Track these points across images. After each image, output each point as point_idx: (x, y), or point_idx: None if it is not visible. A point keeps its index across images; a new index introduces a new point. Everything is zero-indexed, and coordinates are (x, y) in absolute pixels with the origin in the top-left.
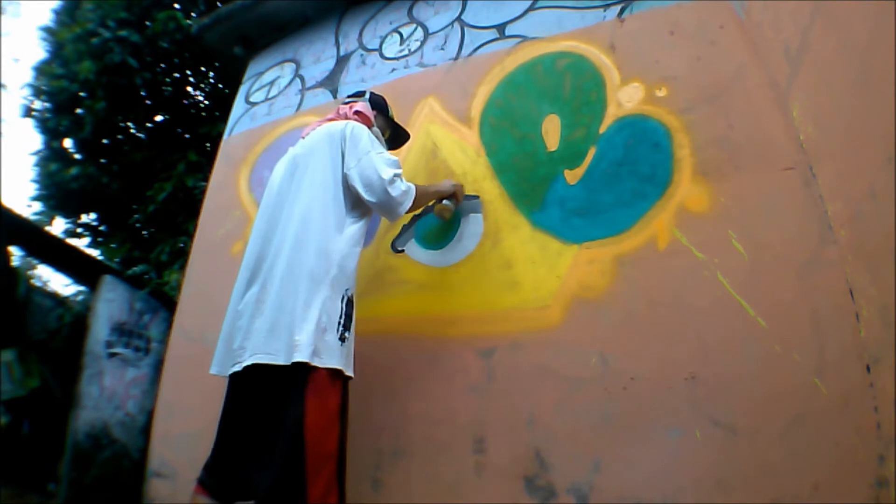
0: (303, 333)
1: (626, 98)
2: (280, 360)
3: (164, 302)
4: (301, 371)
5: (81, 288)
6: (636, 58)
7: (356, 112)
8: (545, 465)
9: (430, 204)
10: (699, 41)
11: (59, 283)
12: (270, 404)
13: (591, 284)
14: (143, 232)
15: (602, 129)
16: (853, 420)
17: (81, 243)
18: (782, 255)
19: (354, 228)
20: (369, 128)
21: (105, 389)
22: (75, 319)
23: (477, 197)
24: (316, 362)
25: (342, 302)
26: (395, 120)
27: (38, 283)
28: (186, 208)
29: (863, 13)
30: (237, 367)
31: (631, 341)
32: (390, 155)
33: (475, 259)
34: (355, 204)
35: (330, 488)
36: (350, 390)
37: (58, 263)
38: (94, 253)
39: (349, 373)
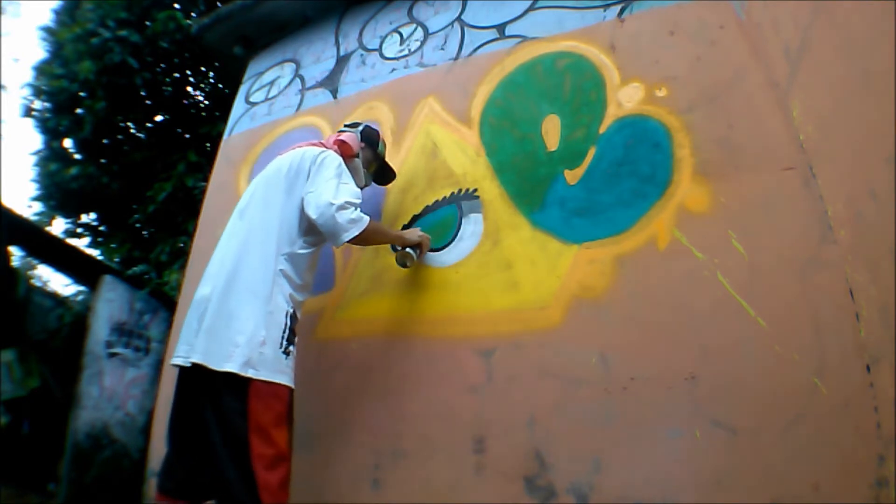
0: (238, 344)
1: (626, 98)
2: (213, 365)
3: (164, 302)
4: (240, 378)
5: (81, 288)
6: (636, 58)
7: (339, 141)
8: (545, 465)
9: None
10: (699, 41)
11: (59, 283)
12: (213, 403)
13: (591, 284)
14: (143, 232)
15: (602, 129)
16: (853, 420)
17: (81, 243)
18: (782, 255)
19: (304, 253)
20: (351, 157)
21: (105, 389)
22: (75, 319)
23: (477, 196)
24: (251, 374)
25: (286, 317)
26: (385, 157)
27: (38, 283)
28: (186, 208)
29: (863, 13)
30: (179, 361)
31: (631, 341)
32: (354, 188)
33: (475, 259)
34: (308, 230)
35: (284, 489)
36: (350, 391)
37: (58, 263)
38: (94, 253)
39: (291, 385)
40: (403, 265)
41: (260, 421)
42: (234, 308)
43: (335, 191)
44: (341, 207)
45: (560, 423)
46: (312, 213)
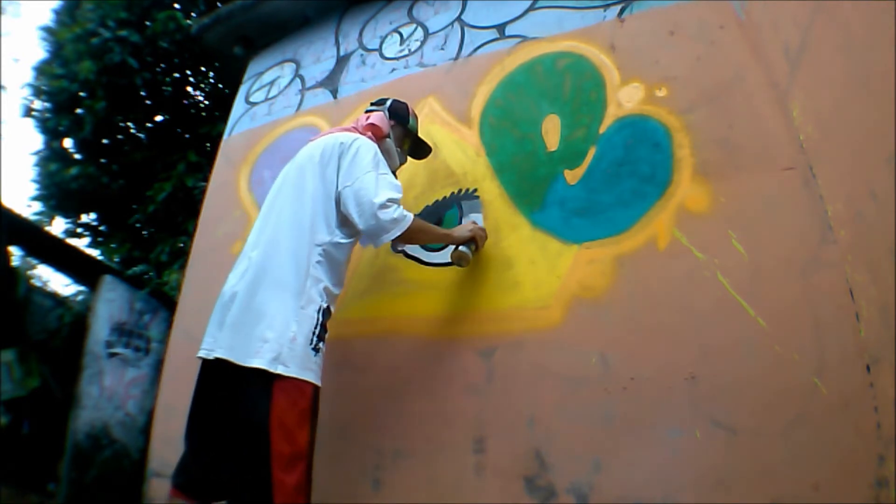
0: (267, 339)
1: (626, 98)
2: (239, 360)
3: (164, 302)
4: (266, 373)
5: (81, 288)
6: (636, 58)
7: (370, 125)
8: (545, 465)
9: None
10: (699, 41)
11: (59, 283)
12: (237, 400)
13: (591, 284)
14: (143, 232)
15: (602, 129)
16: (853, 420)
17: (81, 243)
18: (782, 255)
19: (338, 243)
20: (383, 139)
21: (105, 389)
22: (75, 319)
23: (477, 196)
24: (280, 370)
25: (318, 312)
26: (418, 129)
27: (38, 283)
28: (186, 208)
29: (863, 13)
30: (204, 354)
31: (631, 341)
32: (393, 179)
33: (475, 259)
34: (344, 221)
35: (300, 490)
36: (350, 390)
37: (58, 263)
38: (94, 253)
39: (317, 382)
40: (459, 265)
41: (283, 418)
42: (263, 303)
43: (375, 186)
44: (382, 206)
45: (560, 423)
46: (352, 212)
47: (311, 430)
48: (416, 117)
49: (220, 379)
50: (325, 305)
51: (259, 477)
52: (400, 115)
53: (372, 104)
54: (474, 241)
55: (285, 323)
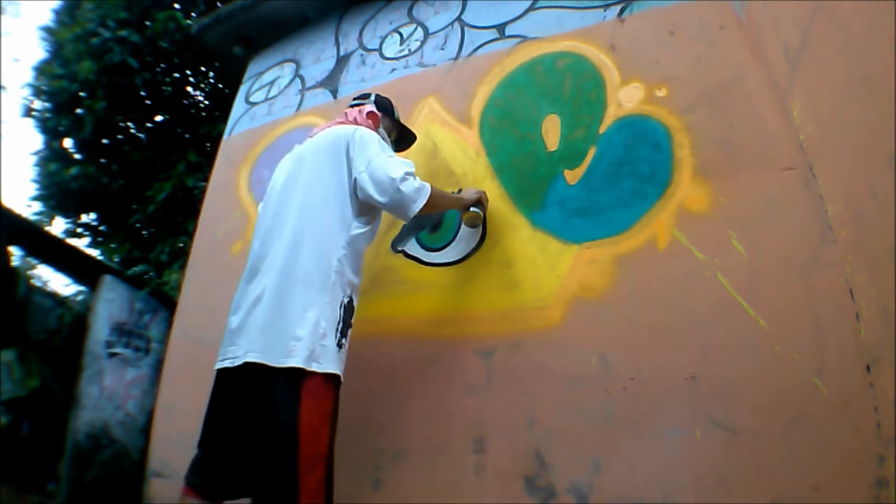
0: (300, 338)
1: (626, 98)
2: (273, 362)
3: (164, 302)
4: (297, 373)
5: (81, 288)
6: (636, 58)
7: (369, 113)
8: (545, 465)
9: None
10: (699, 41)
11: (59, 283)
12: (263, 402)
13: (591, 284)
14: (143, 232)
15: (602, 129)
16: (853, 420)
17: (81, 243)
18: (782, 255)
19: (358, 234)
20: (376, 129)
21: (105, 389)
22: (75, 319)
23: None
24: (315, 367)
25: (340, 308)
26: (401, 121)
27: (38, 283)
28: (186, 208)
29: (863, 13)
30: (228, 363)
31: (631, 341)
32: (403, 158)
33: (475, 259)
34: (361, 210)
35: (320, 490)
36: (350, 391)
37: (58, 263)
38: (94, 253)
39: (342, 378)
40: (475, 226)
41: (311, 420)
42: (292, 302)
43: (389, 165)
44: (402, 179)
45: (560, 423)
46: (374, 193)
47: (332, 431)
48: (397, 110)
49: (242, 383)
50: (346, 300)
51: (285, 478)
52: (386, 107)
53: (354, 100)
54: (481, 202)
55: (316, 320)
